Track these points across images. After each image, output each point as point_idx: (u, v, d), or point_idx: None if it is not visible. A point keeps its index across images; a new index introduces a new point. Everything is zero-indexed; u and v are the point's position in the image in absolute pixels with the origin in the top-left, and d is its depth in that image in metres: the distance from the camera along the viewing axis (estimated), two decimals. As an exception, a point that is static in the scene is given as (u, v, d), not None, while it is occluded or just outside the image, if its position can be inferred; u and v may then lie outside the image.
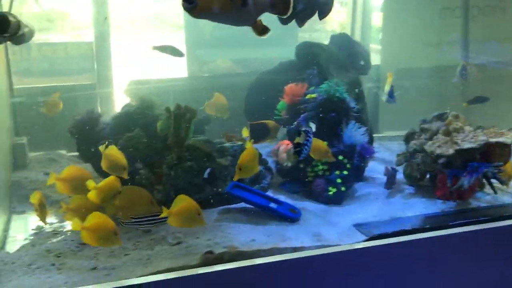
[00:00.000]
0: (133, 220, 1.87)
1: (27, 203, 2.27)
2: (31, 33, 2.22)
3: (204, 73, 3.51)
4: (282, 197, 2.29)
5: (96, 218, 1.72)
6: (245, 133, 2.27)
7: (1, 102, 2.53)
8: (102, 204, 1.90)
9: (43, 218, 1.92)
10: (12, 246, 1.91)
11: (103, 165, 1.96)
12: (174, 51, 2.55)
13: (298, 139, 1.91)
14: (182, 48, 3.39)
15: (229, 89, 3.18)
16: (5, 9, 2.30)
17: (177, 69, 3.38)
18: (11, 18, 1.57)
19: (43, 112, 2.67)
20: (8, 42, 2.22)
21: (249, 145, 1.98)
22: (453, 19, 3.52)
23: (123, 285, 1.59)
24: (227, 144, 2.29)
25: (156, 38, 3.36)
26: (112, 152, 1.97)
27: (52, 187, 2.38)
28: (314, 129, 2.42)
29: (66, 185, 1.94)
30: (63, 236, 2.00)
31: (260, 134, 2.18)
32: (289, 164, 2.33)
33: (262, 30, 1.65)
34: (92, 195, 1.85)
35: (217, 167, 2.22)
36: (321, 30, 3.83)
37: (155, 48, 2.40)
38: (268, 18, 1.71)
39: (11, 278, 1.66)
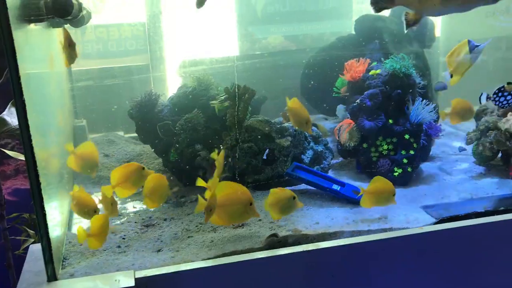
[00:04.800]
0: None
1: (89, 185, 2.32)
2: (89, 16, 2.22)
3: (256, 50, 3.44)
4: (345, 178, 2.22)
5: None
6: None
7: (62, 85, 2.56)
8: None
9: (115, 213, 1.90)
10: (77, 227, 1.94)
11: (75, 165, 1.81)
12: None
13: None
14: (234, 26, 3.35)
15: (283, 67, 3.11)
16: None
17: (228, 47, 3.33)
18: (73, 1, 1.55)
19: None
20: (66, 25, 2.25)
21: None
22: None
23: (189, 268, 1.59)
24: (287, 124, 2.22)
25: (208, 16, 3.31)
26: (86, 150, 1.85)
27: (110, 168, 2.43)
28: (346, 113, 2.33)
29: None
30: (126, 218, 2.02)
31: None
32: (352, 144, 2.24)
33: None
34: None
35: (276, 148, 2.16)
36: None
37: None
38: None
39: (80, 260, 1.69)
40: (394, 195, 1.87)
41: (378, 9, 1.67)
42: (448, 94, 2.62)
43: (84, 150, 1.84)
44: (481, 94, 2.21)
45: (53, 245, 1.52)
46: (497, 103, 2.16)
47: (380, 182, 1.86)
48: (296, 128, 2.17)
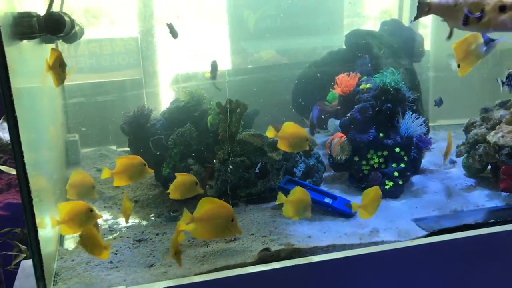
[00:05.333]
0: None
1: (82, 200, 2.31)
2: (81, 32, 2.23)
3: (248, 65, 3.47)
4: (337, 191, 2.23)
5: None
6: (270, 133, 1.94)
7: (55, 100, 2.57)
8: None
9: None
10: (70, 243, 1.94)
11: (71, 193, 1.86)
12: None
13: None
14: (226, 40, 3.38)
15: (275, 81, 3.13)
16: (55, 6, 2.33)
17: (221, 62, 3.35)
18: (66, 18, 1.57)
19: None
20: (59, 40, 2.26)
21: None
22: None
23: (182, 283, 1.59)
24: (279, 138, 2.23)
25: (200, 31, 3.34)
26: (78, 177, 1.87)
27: (105, 183, 2.43)
28: (337, 126, 2.35)
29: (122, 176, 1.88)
30: (118, 233, 2.01)
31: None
32: (343, 158, 2.26)
33: None
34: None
35: (269, 162, 2.18)
36: (363, 16, 3.71)
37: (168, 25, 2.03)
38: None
39: (72, 275, 1.68)
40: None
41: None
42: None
43: (75, 178, 1.86)
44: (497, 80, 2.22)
45: (44, 262, 1.51)
46: (510, 87, 2.15)
47: (371, 193, 1.86)
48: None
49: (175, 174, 1.85)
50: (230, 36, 3.37)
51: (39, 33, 1.49)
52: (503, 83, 2.15)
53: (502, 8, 1.63)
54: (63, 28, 1.53)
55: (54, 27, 1.53)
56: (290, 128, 1.86)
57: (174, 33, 1.99)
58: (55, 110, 2.55)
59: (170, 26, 1.99)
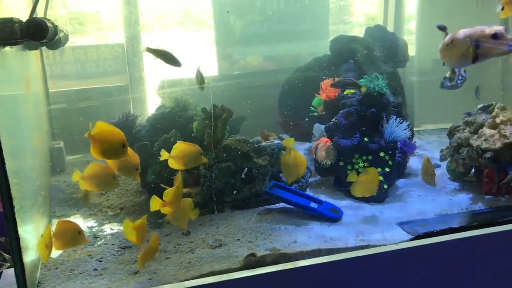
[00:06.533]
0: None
1: (66, 207, 2.30)
2: (65, 38, 2.23)
3: (235, 71, 3.48)
4: (323, 196, 2.24)
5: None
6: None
7: (38, 106, 2.55)
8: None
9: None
10: (54, 251, 1.90)
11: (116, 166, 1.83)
12: (170, 60, 1.97)
13: None
14: (212, 46, 3.38)
15: (261, 87, 3.14)
16: (39, 13, 2.31)
17: (207, 68, 3.36)
18: (48, 24, 1.56)
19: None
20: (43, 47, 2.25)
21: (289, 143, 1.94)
22: (490, 6, 3.38)
23: (166, 290, 1.58)
24: (265, 143, 2.24)
25: (187, 36, 3.35)
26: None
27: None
28: (323, 131, 2.37)
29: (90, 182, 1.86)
30: (103, 240, 2.00)
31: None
32: (328, 162, 2.27)
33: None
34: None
35: (254, 167, 2.18)
36: (348, 22, 3.75)
37: (149, 50, 1.92)
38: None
39: (55, 284, 1.67)
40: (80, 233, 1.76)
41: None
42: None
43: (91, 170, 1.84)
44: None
45: (27, 270, 1.50)
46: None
47: (371, 171, 2.05)
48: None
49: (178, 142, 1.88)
50: (217, 42, 3.37)
51: (22, 39, 1.48)
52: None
53: (494, 36, 1.73)
54: (46, 34, 1.52)
55: (36, 33, 1.52)
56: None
57: (176, 62, 1.96)
58: (39, 117, 2.53)
59: (170, 56, 1.96)
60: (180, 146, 1.87)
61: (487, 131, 2.21)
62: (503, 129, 2.16)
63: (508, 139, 2.11)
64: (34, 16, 1.67)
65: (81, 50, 3.07)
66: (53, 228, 1.68)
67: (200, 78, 2.07)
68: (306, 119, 2.68)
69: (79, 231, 1.71)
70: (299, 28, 3.45)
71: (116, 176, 1.84)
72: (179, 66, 1.96)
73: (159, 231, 2.04)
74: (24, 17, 1.62)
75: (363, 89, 2.23)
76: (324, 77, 2.55)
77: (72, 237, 1.69)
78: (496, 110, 2.27)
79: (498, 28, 1.77)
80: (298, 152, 2.07)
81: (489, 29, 1.79)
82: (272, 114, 2.98)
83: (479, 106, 2.42)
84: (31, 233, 1.70)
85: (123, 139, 1.66)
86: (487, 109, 2.38)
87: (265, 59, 3.50)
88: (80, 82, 3.07)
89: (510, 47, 1.75)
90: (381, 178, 2.21)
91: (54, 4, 2.99)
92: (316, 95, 2.54)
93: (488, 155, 2.17)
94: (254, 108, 2.76)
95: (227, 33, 3.38)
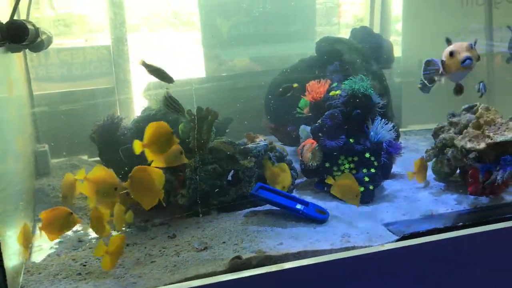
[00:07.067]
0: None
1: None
2: (49, 40, 2.20)
3: (222, 72, 3.47)
4: (309, 198, 2.24)
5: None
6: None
7: (22, 109, 2.52)
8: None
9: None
10: (38, 256, 1.89)
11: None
12: (162, 76, 2.01)
13: None
14: (199, 48, 3.38)
15: (249, 88, 3.15)
16: (22, 15, 2.29)
17: (195, 69, 3.35)
18: (29, 26, 1.54)
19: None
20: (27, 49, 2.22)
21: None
22: (476, 6, 3.42)
23: (151, 294, 1.57)
24: (251, 145, 2.23)
25: (174, 37, 3.34)
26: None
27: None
28: (309, 132, 2.38)
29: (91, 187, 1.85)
30: (88, 244, 1.98)
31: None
32: (314, 164, 2.27)
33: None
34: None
35: (240, 169, 2.17)
36: (336, 23, 3.76)
37: (144, 64, 1.95)
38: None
39: (38, 289, 1.65)
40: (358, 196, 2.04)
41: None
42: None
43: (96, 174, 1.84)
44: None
45: (9, 275, 1.48)
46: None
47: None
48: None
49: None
50: (204, 44, 3.37)
51: (1, 42, 1.46)
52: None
53: (451, 54, 1.76)
54: (26, 36, 1.50)
55: (16, 35, 1.50)
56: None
57: (168, 79, 1.97)
58: (23, 120, 2.50)
59: (162, 72, 1.96)
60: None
61: (471, 131, 2.23)
62: (487, 130, 2.17)
63: (491, 139, 2.13)
64: (16, 18, 1.65)
65: (66, 52, 3.04)
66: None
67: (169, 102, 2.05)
68: (294, 126, 2.68)
69: (70, 212, 1.74)
70: (286, 29, 3.46)
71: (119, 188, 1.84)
72: (172, 83, 1.99)
73: (144, 234, 2.03)
74: (5, 18, 1.61)
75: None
76: (310, 79, 2.55)
77: (65, 220, 1.73)
78: (480, 110, 2.29)
79: (455, 46, 1.81)
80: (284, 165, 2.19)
81: (450, 47, 1.84)
82: (259, 116, 2.98)
83: (463, 107, 2.44)
84: (14, 237, 1.68)
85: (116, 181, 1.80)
86: (471, 109, 2.40)
87: (253, 60, 3.51)
88: (65, 84, 3.05)
89: (462, 64, 1.78)
90: (366, 179, 2.22)
91: (41, 5, 2.97)
92: (302, 96, 2.54)
93: (472, 155, 2.18)
94: (240, 110, 2.76)
95: (214, 34, 3.38)
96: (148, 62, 1.94)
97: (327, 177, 2.07)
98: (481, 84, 2.48)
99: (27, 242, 1.79)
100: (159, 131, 1.82)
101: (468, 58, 1.84)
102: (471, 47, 1.87)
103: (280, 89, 2.54)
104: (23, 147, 2.34)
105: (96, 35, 3.17)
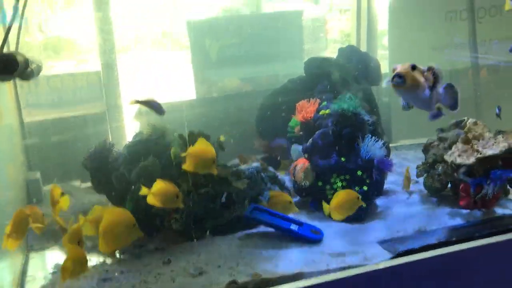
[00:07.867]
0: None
1: (45, 240, 2.25)
2: (39, 69, 2.20)
3: (213, 93, 3.49)
4: (303, 217, 2.24)
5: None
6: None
7: (12, 138, 2.51)
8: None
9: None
10: (31, 286, 1.87)
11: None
12: (155, 109, 2.06)
13: None
14: (189, 68, 3.40)
15: (240, 109, 3.16)
16: (12, 41, 2.30)
17: (185, 91, 3.37)
18: (19, 58, 1.55)
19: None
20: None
21: None
22: (459, 21, 3.48)
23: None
24: (243, 167, 2.24)
25: (164, 58, 3.36)
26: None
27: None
28: (300, 152, 2.40)
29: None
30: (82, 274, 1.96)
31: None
32: (307, 183, 2.28)
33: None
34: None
35: (234, 191, 2.17)
36: (323, 40, 3.81)
37: (137, 102, 2.00)
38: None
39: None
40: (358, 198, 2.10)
41: None
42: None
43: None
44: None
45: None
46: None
47: (342, 194, 2.11)
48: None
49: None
50: (193, 65, 3.39)
51: (-9, 74, 1.47)
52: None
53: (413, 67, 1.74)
54: (15, 68, 1.51)
55: (5, 67, 1.51)
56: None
57: (160, 111, 2.01)
58: (14, 148, 2.50)
59: (155, 104, 2.00)
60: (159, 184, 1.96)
61: (460, 146, 2.26)
62: (475, 144, 2.20)
63: (480, 153, 2.15)
64: (6, 45, 1.66)
65: (56, 78, 3.04)
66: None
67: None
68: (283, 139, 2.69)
69: (134, 224, 1.85)
70: (275, 49, 3.49)
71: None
72: (163, 115, 2.03)
73: (138, 261, 2.01)
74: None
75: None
76: (300, 98, 2.58)
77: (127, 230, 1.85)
78: (468, 125, 2.32)
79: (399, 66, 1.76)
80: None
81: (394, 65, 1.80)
82: (250, 138, 2.99)
83: (451, 122, 2.47)
84: (6, 269, 1.67)
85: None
86: (459, 124, 2.43)
87: (243, 80, 3.53)
88: (56, 111, 3.04)
89: (392, 82, 1.76)
90: (359, 196, 2.22)
91: (30, 29, 2.98)
92: (293, 116, 2.56)
93: (463, 169, 2.21)
94: (233, 131, 2.77)
95: (204, 56, 3.41)
96: (139, 99, 1.97)
97: (322, 203, 2.14)
98: (497, 108, 2.52)
99: None
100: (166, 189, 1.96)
101: (398, 75, 1.72)
102: (413, 68, 1.73)
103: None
104: (14, 175, 2.34)
105: (86, 56, 3.18)
